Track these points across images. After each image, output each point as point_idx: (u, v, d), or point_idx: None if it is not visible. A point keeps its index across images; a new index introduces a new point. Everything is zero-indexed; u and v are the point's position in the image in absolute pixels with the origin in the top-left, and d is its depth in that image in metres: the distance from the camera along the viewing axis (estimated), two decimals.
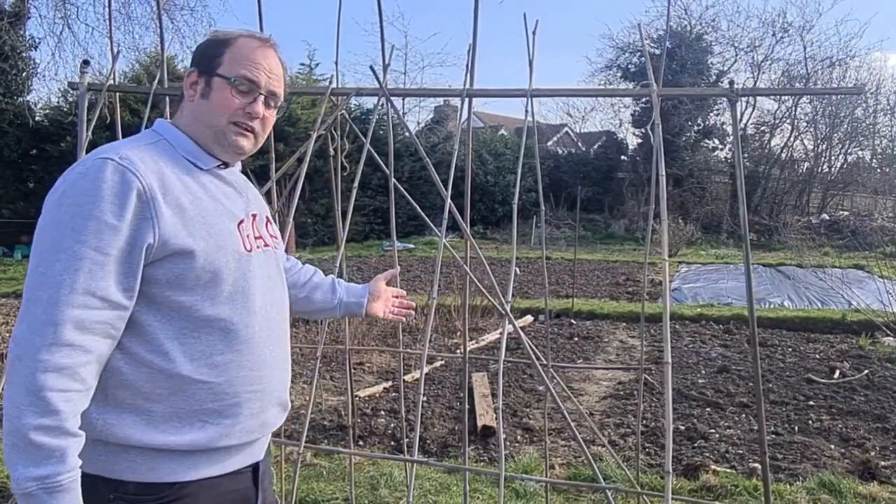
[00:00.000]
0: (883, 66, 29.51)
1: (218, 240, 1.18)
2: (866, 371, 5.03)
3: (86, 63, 2.47)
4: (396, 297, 1.75)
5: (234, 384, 1.19)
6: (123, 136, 2.47)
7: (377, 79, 2.35)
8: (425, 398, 4.40)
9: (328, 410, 4.15)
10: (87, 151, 2.47)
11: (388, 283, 1.74)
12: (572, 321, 7.15)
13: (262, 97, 1.25)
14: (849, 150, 19.81)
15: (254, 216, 1.30)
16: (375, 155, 2.42)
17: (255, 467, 1.30)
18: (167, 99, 2.57)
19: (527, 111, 2.42)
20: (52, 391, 1.01)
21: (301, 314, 1.64)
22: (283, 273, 1.39)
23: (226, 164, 1.28)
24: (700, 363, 5.46)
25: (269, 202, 2.25)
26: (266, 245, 1.30)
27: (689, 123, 18.56)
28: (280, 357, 1.30)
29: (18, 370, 1.02)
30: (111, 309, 1.08)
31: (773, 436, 3.81)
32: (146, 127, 2.72)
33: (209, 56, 1.25)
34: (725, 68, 19.26)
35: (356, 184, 2.47)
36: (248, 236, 1.25)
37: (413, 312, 1.78)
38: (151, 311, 1.14)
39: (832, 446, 3.67)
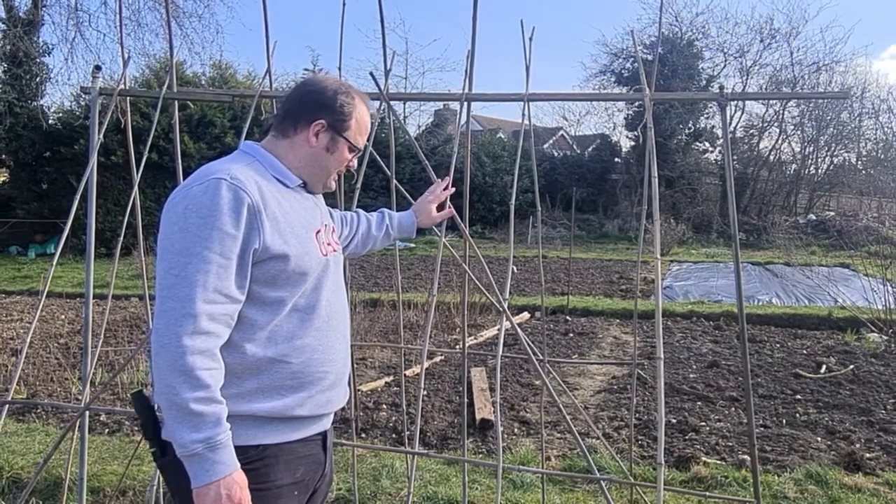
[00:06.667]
0: (867, 71, 29.83)
1: (304, 246, 1.39)
2: (852, 366, 5.14)
3: (97, 68, 2.52)
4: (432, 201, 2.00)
5: (310, 365, 1.40)
6: (133, 139, 2.58)
7: (377, 84, 2.42)
8: (425, 392, 4.46)
9: None
10: (99, 154, 2.53)
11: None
12: (567, 318, 7.24)
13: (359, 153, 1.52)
14: (835, 153, 20.02)
15: (325, 226, 1.51)
16: (377, 157, 2.48)
17: (323, 437, 1.49)
18: (176, 103, 2.64)
19: (524, 115, 2.49)
20: (200, 370, 1.21)
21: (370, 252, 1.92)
22: (343, 274, 1.60)
23: (305, 184, 1.48)
24: (691, 358, 5.55)
25: None
26: (334, 251, 1.52)
27: (681, 126, 18.71)
28: (343, 346, 1.51)
29: (165, 356, 1.20)
30: (232, 303, 1.28)
31: (762, 429, 3.90)
32: (155, 129, 2.79)
33: (339, 114, 1.44)
34: (715, 73, 19.43)
35: (359, 185, 2.55)
36: (322, 243, 1.46)
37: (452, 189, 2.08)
38: (248, 305, 1.32)
39: (819, 439, 3.75)
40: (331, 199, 2.79)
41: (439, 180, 2.01)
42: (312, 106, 1.43)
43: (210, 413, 1.20)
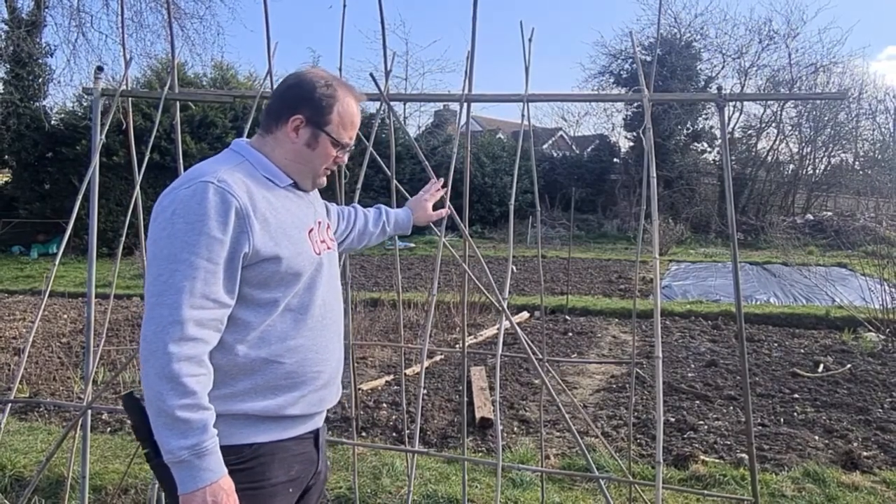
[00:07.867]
0: (865, 72, 29.93)
1: (297, 247, 1.37)
2: (849, 365, 5.16)
3: (99, 69, 2.53)
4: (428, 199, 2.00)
5: (303, 365, 1.39)
6: (135, 140, 2.60)
7: (377, 85, 2.44)
8: (425, 391, 4.48)
9: None
10: (101, 154, 2.55)
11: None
12: (567, 317, 7.26)
13: (349, 148, 1.47)
14: (832, 153, 20.13)
15: (319, 223, 1.48)
16: (378, 157, 2.50)
17: (315, 435, 1.49)
18: (177, 104, 2.66)
19: (523, 115, 2.50)
20: (186, 377, 1.20)
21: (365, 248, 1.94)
22: (338, 270, 1.59)
23: (297, 182, 1.45)
24: (689, 357, 5.57)
25: None
26: (328, 248, 1.50)
27: (679, 127, 18.79)
28: (337, 345, 1.50)
29: (153, 363, 1.20)
30: (220, 308, 1.26)
31: (760, 427, 3.92)
32: (157, 129, 2.80)
33: (319, 108, 1.40)
34: (713, 74, 19.54)
35: (359, 185, 2.57)
36: (316, 242, 1.44)
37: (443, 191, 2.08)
38: (240, 306, 1.31)
39: (816, 437, 3.77)
40: (332, 200, 2.81)
41: (435, 178, 2.01)
42: (292, 101, 1.40)
43: (196, 420, 1.20)
